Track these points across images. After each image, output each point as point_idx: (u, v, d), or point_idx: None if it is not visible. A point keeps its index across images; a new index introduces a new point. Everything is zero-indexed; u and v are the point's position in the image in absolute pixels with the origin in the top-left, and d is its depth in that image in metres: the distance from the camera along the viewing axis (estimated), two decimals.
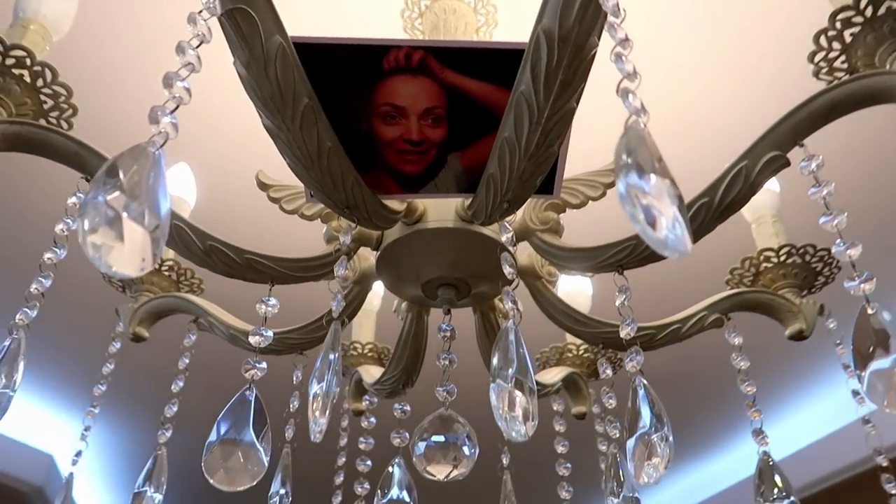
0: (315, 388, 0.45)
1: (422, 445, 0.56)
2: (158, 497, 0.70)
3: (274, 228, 1.20)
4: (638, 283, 1.68)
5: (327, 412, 0.45)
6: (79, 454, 0.82)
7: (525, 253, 0.74)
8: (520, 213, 0.68)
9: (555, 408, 0.91)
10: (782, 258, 0.77)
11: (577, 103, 0.49)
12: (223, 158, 1.28)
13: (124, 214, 0.34)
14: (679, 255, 0.32)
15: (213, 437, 0.52)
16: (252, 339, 0.57)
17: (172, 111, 0.40)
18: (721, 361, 0.74)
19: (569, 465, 0.86)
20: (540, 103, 0.47)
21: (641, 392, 0.51)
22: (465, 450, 0.57)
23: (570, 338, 1.02)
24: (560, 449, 0.88)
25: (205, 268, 0.62)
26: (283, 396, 0.72)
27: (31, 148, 0.63)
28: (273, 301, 0.60)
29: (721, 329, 0.75)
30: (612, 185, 0.66)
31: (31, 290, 0.55)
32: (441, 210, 0.64)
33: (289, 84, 0.48)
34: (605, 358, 0.70)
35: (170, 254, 0.89)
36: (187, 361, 0.81)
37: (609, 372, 0.67)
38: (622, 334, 0.55)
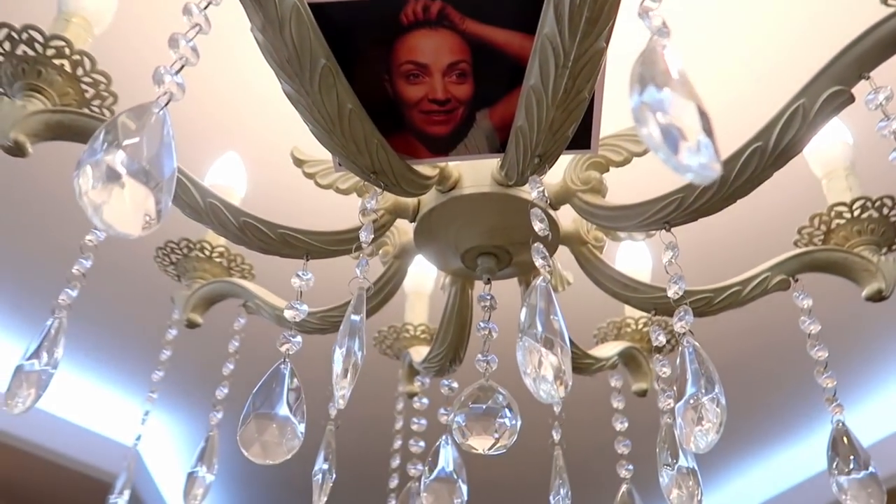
0: (336, 353, 0.44)
1: (461, 418, 0.54)
2: (210, 477, 0.71)
3: (324, 215, 1.21)
4: (694, 247, 1.58)
5: (348, 376, 0.43)
6: (139, 438, 0.84)
7: (570, 218, 0.71)
8: (560, 174, 0.65)
9: (612, 384, 0.87)
10: (856, 212, 0.71)
11: (607, 43, 0.45)
12: (273, 143, 1.29)
13: (124, 172, 0.33)
14: (706, 180, 0.28)
15: (247, 410, 0.52)
16: (287, 314, 0.56)
17: (178, 71, 0.39)
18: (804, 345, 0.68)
19: (628, 442, 0.82)
20: (566, 45, 0.44)
21: (689, 353, 0.48)
22: (507, 421, 0.54)
23: (628, 311, 0.97)
24: (618, 426, 0.84)
25: (240, 245, 0.62)
26: (325, 374, 0.72)
27: (72, 135, 0.64)
28: (308, 275, 0.59)
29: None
30: None
31: (73, 271, 0.56)
32: (477, 175, 0.62)
33: (305, 46, 0.47)
34: (658, 325, 0.66)
35: (220, 241, 0.90)
36: (237, 345, 0.81)
37: (662, 339, 0.63)
38: (670, 293, 0.51)
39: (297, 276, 0.59)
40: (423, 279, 1.09)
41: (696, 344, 0.48)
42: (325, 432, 0.66)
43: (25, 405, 0.50)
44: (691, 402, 0.46)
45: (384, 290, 0.71)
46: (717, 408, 0.45)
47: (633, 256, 0.98)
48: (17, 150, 0.60)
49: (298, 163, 0.67)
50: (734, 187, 0.53)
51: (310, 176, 0.66)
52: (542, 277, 0.43)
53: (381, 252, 0.72)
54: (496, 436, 0.54)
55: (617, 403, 0.87)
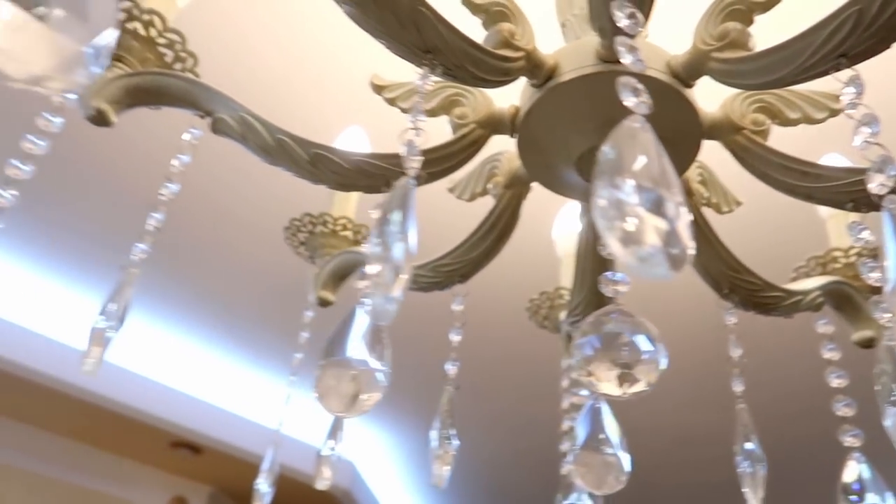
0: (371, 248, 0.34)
1: (581, 355, 0.41)
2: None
3: None
4: None
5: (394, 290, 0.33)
6: (281, 424, 0.80)
7: (718, 105, 0.55)
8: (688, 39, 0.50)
9: (820, 330, 0.68)
10: None
11: None
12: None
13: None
14: None
15: (325, 357, 0.44)
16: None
17: None
18: None
19: (850, 401, 0.62)
20: None
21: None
22: (639, 349, 0.40)
23: (834, 240, 0.77)
24: (834, 382, 0.64)
25: (315, 182, 0.54)
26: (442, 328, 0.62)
27: (154, 98, 0.61)
28: None
29: None
30: None
31: (147, 227, 0.53)
32: (578, 55, 0.49)
33: None
34: (857, 223, 0.47)
35: (343, 212, 0.85)
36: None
37: (865, 235, 0.45)
38: (856, 141, 0.34)
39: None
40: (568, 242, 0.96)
41: None
42: (444, 394, 0.56)
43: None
44: None
45: (496, 228, 0.60)
46: None
47: None
48: (100, 119, 0.59)
49: (378, 89, 0.58)
50: None
51: (392, 102, 0.58)
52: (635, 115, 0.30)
53: (490, 184, 0.62)
54: (627, 371, 0.40)
55: (829, 354, 0.67)
